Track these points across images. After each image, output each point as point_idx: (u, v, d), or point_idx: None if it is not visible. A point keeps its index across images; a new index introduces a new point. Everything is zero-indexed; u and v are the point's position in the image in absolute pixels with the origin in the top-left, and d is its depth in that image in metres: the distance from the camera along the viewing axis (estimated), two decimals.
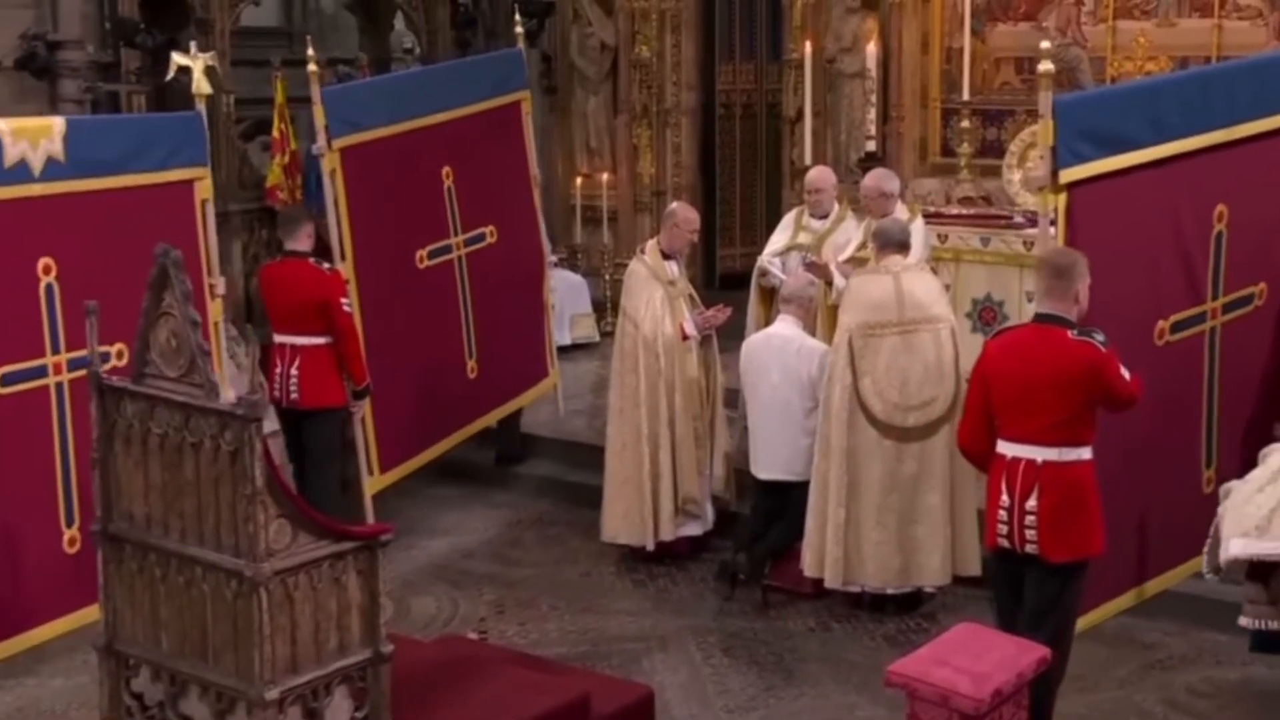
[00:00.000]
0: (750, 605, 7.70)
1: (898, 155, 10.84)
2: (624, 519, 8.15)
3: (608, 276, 12.27)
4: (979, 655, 5.60)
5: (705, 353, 8.28)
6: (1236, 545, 5.17)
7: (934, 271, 8.21)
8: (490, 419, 9.33)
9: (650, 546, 8.14)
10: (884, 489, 7.34)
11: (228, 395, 7.33)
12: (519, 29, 9.73)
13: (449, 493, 9.45)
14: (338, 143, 8.00)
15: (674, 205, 8.86)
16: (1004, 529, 5.65)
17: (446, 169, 8.67)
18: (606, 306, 11.93)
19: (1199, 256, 6.34)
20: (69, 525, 6.64)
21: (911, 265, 7.64)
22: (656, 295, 8.15)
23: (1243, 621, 5.57)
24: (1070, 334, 5.55)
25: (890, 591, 7.49)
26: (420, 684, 5.86)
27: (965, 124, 10.55)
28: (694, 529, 8.29)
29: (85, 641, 6.27)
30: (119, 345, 6.49)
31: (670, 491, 8.09)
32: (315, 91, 7.98)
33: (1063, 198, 5.87)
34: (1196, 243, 6.33)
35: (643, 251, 8.42)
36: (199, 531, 5.27)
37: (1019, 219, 9.96)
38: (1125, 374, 5.58)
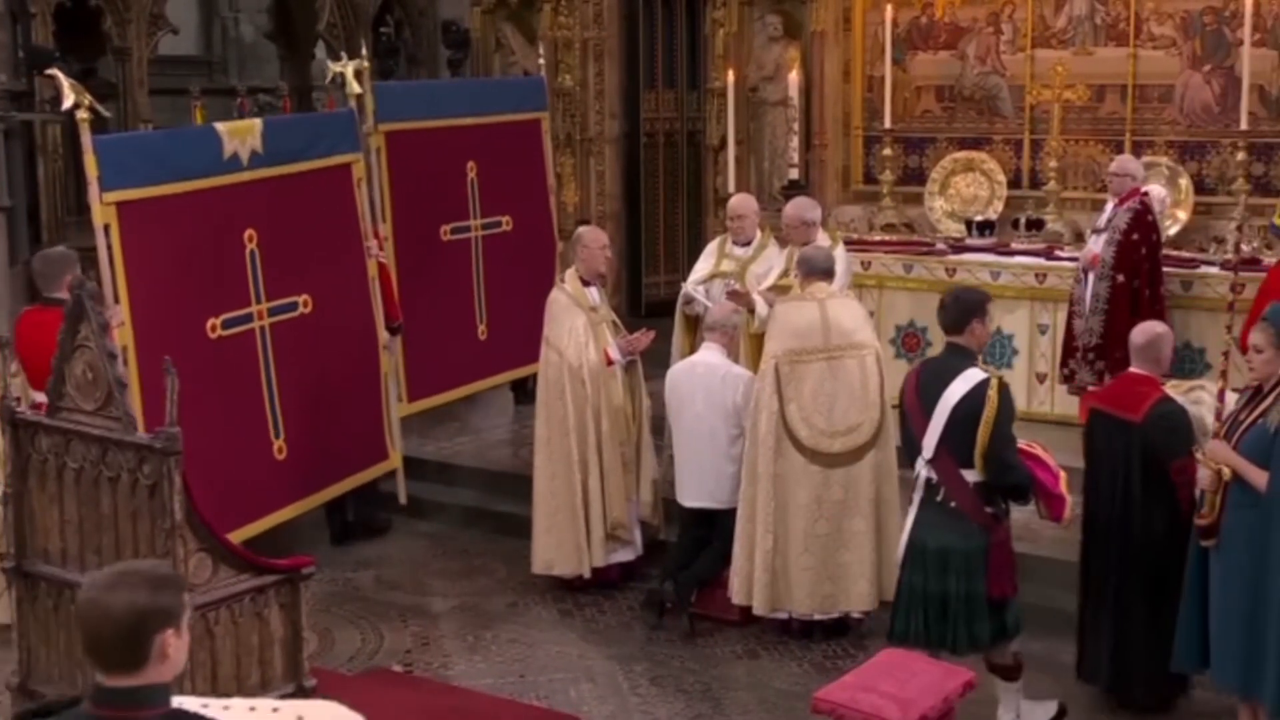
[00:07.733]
0: (678, 634, 7.66)
1: (820, 183, 10.90)
2: (558, 549, 8.09)
3: None
4: (905, 681, 5.62)
5: (630, 379, 8.26)
6: None
7: (857, 298, 8.26)
8: (499, 380, 10.45)
9: (587, 574, 8.09)
10: (811, 515, 7.35)
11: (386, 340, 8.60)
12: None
13: None
14: (383, 127, 9.23)
15: (580, 230, 8.85)
16: None
17: (471, 163, 9.84)
18: None
19: None
20: (277, 436, 7.83)
21: (836, 292, 7.67)
22: (579, 322, 8.14)
23: None
24: None
25: (818, 618, 7.49)
26: None
27: (887, 151, 10.63)
28: (625, 555, 8.26)
29: None
30: (304, 296, 7.99)
31: (601, 518, 8.06)
32: (367, 84, 9.13)
33: None
34: None
35: (563, 280, 8.41)
36: None
37: (941, 246, 10.06)
38: None
